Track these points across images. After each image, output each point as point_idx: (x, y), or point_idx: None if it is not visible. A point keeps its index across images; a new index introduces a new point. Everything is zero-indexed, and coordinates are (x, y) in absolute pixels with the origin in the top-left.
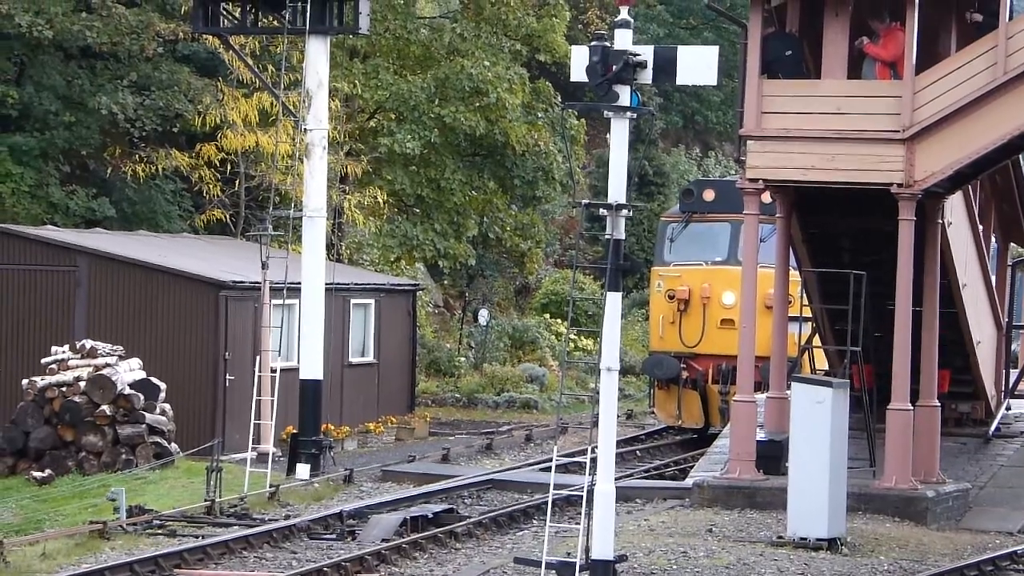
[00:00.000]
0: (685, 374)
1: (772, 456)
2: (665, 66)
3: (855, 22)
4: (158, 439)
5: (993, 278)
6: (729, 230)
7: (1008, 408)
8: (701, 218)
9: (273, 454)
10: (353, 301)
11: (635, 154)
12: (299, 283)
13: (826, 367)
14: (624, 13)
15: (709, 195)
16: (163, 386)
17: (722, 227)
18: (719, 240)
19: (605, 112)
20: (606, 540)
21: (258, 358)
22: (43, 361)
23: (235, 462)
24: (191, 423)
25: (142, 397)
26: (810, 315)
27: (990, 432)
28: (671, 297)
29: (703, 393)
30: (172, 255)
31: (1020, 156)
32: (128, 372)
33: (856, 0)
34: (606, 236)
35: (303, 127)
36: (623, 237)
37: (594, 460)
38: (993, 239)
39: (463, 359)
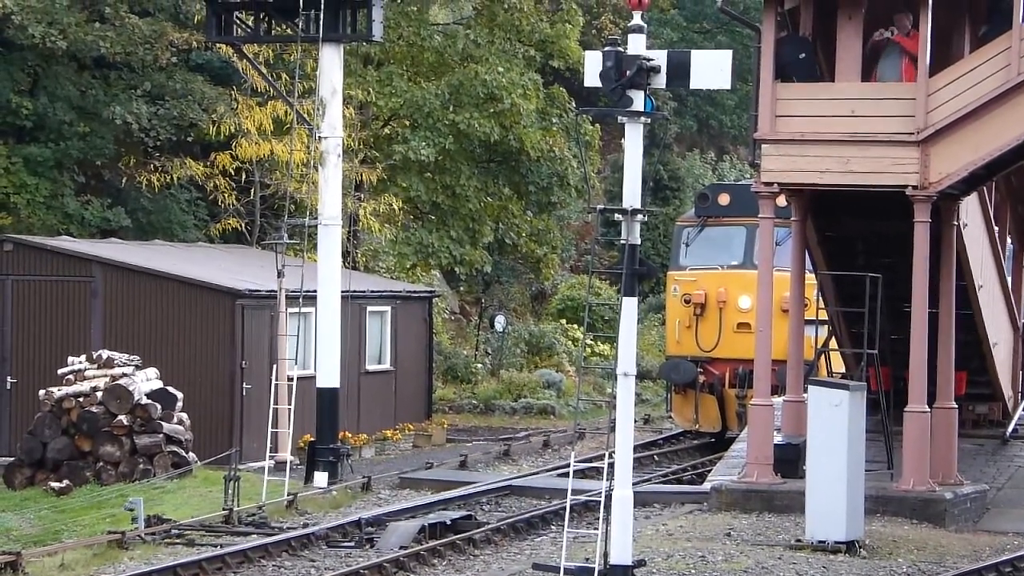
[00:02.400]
0: (702, 378)
1: (789, 459)
2: (679, 70)
3: (868, 24)
4: (176, 448)
5: (1009, 279)
6: (744, 234)
7: None
8: (716, 222)
9: (291, 462)
10: (369, 308)
11: (650, 158)
12: (315, 291)
13: (843, 370)
14: (637, 18)
15: (724, 199)
16: (180, 395)
17: (737, 231)
18: (734, 244)
19: (619, 117)
20: (624, 545)
21: (275, 366)
22: (60, 372)
23: (253, 471)
24: (208, 432)
25: (159, 407)
26: (826, 318)
27: (1007, 433)
28: (687, 301)
29: (720, 397)
30: (188, 264)
31: None
32: (145, 382)
33: (869, 2)
34: (622, 241)
35: (317, 135)
36: (638, 242)
37: (612, 465)
38: (1009, 240)
39: (480, 365)
